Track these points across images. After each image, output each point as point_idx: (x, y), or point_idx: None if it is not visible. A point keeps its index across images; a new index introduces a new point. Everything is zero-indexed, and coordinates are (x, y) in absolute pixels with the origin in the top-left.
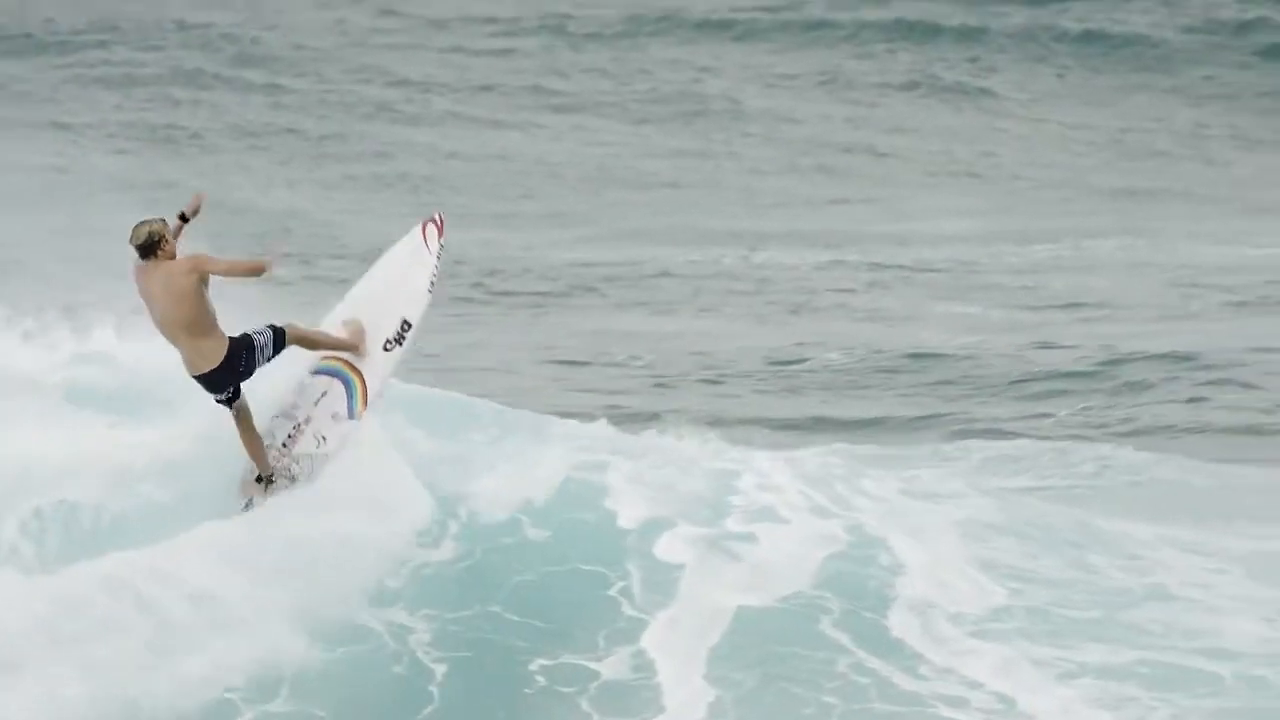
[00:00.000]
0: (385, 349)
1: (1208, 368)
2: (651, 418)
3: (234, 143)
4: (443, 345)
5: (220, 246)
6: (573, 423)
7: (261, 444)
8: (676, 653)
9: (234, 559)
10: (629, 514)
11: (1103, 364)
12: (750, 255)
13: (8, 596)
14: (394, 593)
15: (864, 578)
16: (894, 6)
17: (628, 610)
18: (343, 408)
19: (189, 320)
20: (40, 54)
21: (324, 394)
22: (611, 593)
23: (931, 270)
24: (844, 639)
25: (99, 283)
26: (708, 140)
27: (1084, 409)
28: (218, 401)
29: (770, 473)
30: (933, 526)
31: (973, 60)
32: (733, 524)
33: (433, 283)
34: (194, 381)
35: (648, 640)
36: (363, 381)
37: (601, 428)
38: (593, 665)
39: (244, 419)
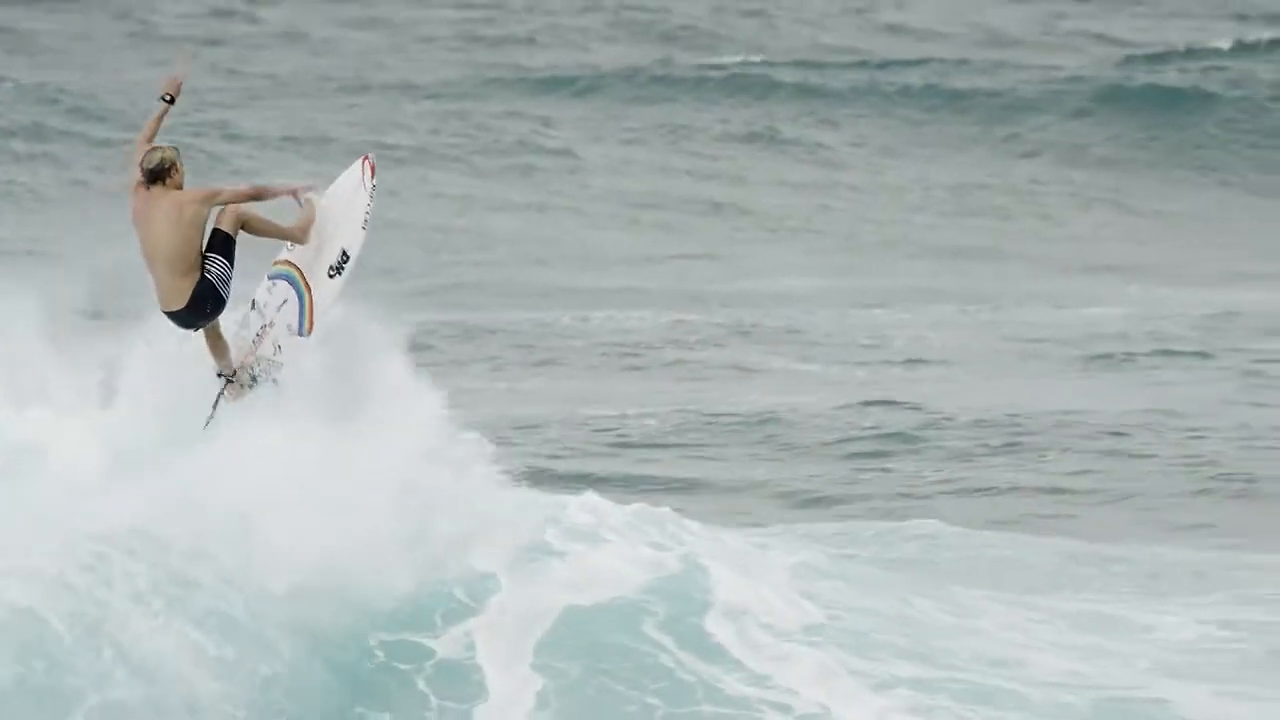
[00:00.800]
0: (329, 275)
1: (1042, 431)
2: None
3: (71, 196)
4: None
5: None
6: None
7: (226, 346)
8: (503, 642)
9: None
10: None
11: (937, 425)
12: (588, 313)
13: None
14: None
15: (688, 587)
16: (739, 61)
17: (461, 596)
18: (295, 322)
19: (179, 253)
20: None
21: (284, 302)
22: (443, 587)
23: (770, 327)
24: (667, 640)
25: None
26: (547, 194)
27: (917, 472)
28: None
29: (594, 505)
30: (758, 563)
31: (812, 114)
32: (555, 539)
33: (367, 219)
34: (164, 316)
35: (475, 624)
36: (311, 299)
37: None
38: (429, 643)
39: (211, 329)
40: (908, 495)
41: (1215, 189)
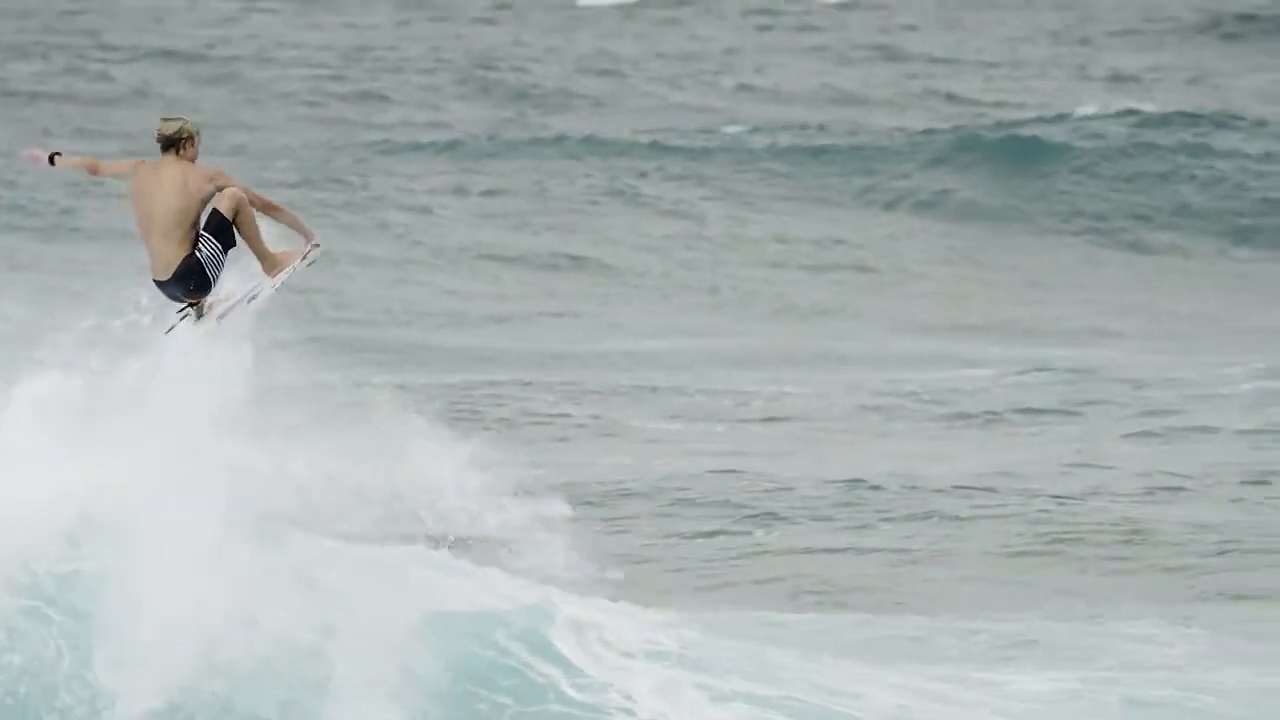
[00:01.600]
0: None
1: (896, 492)
2: None
3: None
4: None
5: None
6: None
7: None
8: (358, 640)
9: None
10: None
11: (788, 489)
12: (445, 375)
13: None
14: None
15: (540, 606)
16: (593, 119)
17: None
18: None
19: (175, 221)
20: None
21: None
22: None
23: (629, 385)
24: (517, 648)
25: None
26: (406, 255)
27: (782, 533)
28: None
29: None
30: (602, 605)
31: (667, 170)
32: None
33: (280, 283)
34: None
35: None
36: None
37: None
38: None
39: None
40: (751, 560)
41: (1077, 242)
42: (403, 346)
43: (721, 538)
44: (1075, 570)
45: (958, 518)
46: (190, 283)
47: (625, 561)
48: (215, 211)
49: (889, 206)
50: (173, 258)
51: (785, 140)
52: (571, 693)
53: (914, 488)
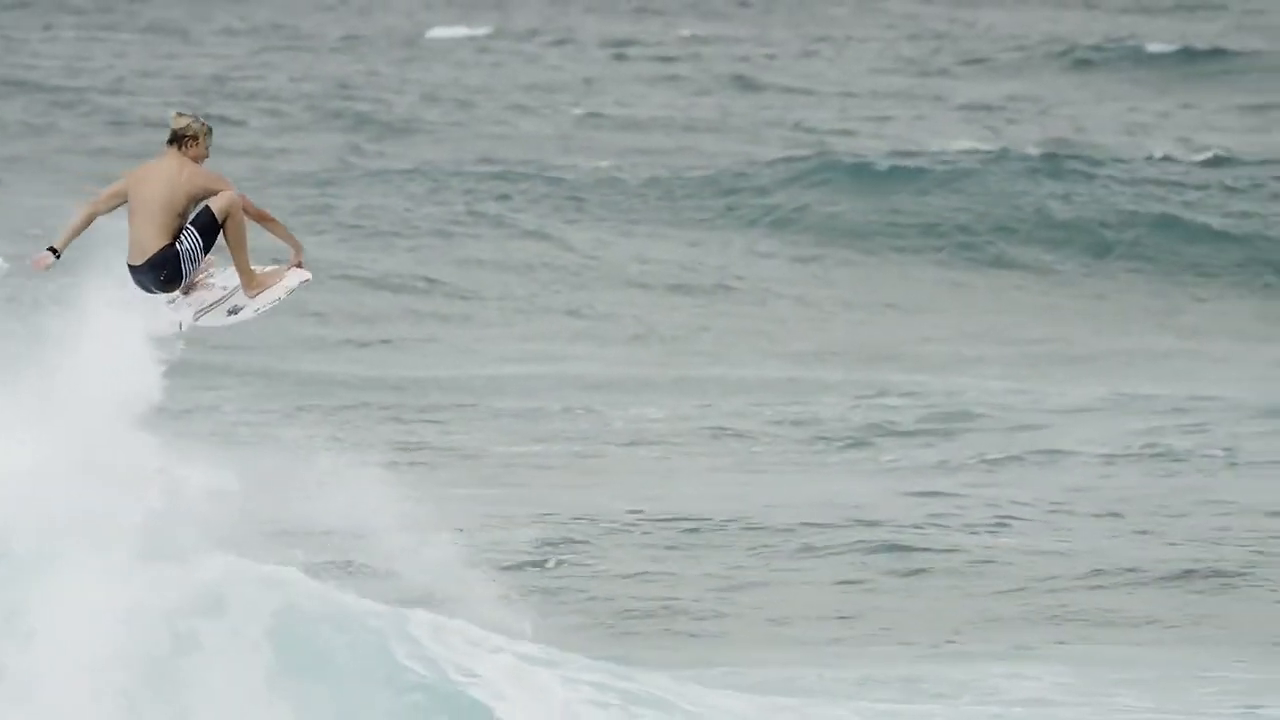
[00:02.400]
0: (229, 313)
1: (748, 519)
2: None
3: None
4: None
5: None
6: None
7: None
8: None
9: None
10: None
11: (649, 511)
12: (302, 401)
13: None
14: None
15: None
16: (452, 146)
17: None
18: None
19: (161, 207)
20: None
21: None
22: None
23: (488, 409)
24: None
25: None
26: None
27: (622, 556)
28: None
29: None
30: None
31: (527, 192)
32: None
33: (263, 308)
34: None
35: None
36: (213, 300)
37: None
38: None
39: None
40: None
41: (934, 264)
42: (260, 370)
43: (565, 564)
44: (930, 599)
45: (809, 547)
46: (162, 272)
47: (479, 582)
48: (206, 209)
49: (749, 224)
50: (150, 245)
51: (644, 166)
52: (428, 676)
53: (765, 515)
